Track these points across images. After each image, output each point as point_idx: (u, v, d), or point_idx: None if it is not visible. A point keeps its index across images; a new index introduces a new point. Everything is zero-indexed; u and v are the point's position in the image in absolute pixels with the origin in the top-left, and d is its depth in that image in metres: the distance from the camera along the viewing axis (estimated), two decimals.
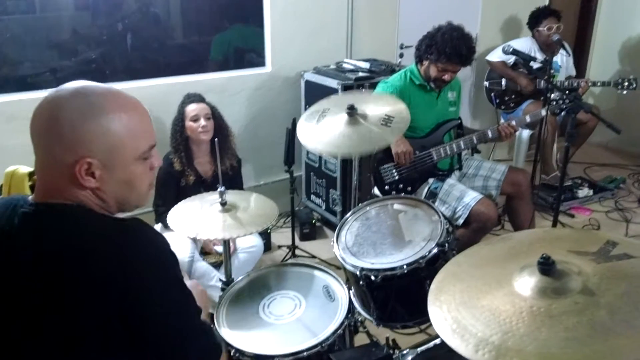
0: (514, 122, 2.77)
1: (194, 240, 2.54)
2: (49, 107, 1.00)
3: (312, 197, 3.66)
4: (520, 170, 3.01)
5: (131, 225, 1.03)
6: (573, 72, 4.12)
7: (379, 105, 1.97)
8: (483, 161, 2.96)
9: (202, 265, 2.55)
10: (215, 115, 2.70)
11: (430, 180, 2.71)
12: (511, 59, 3.87)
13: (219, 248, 2.67)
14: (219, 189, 1.86)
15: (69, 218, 1.02)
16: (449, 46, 2.54)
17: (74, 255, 0.97)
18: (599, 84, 3.98)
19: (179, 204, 1.94)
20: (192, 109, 2.64)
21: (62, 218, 1.02)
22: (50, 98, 1.01)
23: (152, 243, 1.04)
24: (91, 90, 1.03)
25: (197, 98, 2.70)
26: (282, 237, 3.43)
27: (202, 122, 2.62)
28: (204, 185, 2.66)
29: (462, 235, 2.55)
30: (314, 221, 3.45)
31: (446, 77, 2.64)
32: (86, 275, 0.96)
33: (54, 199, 1.02)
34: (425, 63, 2.68)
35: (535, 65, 3.18)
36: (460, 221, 2.55)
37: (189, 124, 2.63)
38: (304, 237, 3.40)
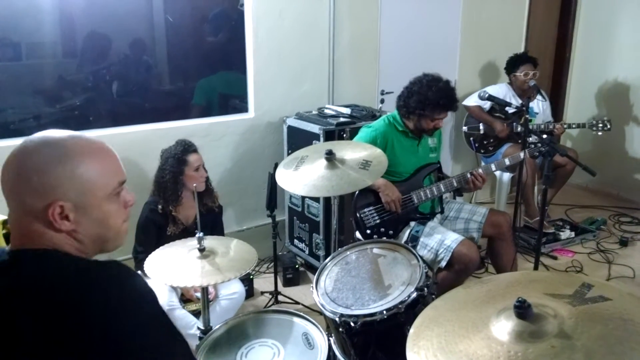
0: (481, 171, 2.78)
1: (173, 287, 2.50)
2: (16, 159, 1.03)
3: (296, 241, 3.64)
4: (501, 212, 3.03)
5: (109, 267, 1.03)
6: (550, 119, 4.21)
7: (357, 151, 2.00)
8: (464, 204, 2.98)
9: (181, 313, 2.49)
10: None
11: (412, 223, 2.72)
12: (487, 104, 3.97)
13: (200, 295, 2.63)
14: (197, 235, 1.85)
15: (46, 264, 1.01)
16: (442, 98, 2.62)
17: (52, 302, 0.96)
18: (574, 126, 4.08)
19: (157, 250, 1.92)
20: (195, 158, 2.66)
21: (39, 265, 1.01)
22: (16, 151, 1.04)
23: (131, 284, 1.04)
24: (54, 137, 1.06)
25: (195, 147, 2.71)
26: (265, 282, 3.38)
27: (203, 172, 2.68)
28: (185, 231, 2.64)
29: (445, 278, 2.54)
30: (297, 266, 3.41)
31: (440, 124, 2.73)
32: (66, 322, 0.94)
33: (30, 246, 1.02)
34: (415, 118, 2.72)
35: (510, 110, 3.26)
36: (443, 264, 2.54)
37: (191, 173, 2.63)
38: (287, 283, 3.36)
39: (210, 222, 2.76)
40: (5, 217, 1.79)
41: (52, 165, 1.01)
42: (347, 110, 3.38)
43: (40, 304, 0.96)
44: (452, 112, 2.91)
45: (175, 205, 2.64)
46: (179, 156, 2.64)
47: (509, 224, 2.92)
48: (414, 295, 1.67)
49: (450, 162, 4.59)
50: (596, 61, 5.00)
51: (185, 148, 2.67)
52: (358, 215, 2.67)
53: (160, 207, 2.63)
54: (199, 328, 2.10)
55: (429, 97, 2.62)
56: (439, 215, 2.86)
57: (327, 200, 3.21)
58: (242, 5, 3.36)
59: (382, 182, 2.61)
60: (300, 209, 3.51)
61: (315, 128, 3.21)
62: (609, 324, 1.05)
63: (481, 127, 4.07)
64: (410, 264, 1.81)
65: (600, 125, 3.98)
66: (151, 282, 1.84)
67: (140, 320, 1.02)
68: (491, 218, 2.83)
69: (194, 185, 2.40)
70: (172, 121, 3.25)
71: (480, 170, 2.77)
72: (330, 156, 1.97)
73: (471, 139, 4.13)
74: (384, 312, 1.64)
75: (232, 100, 3.56)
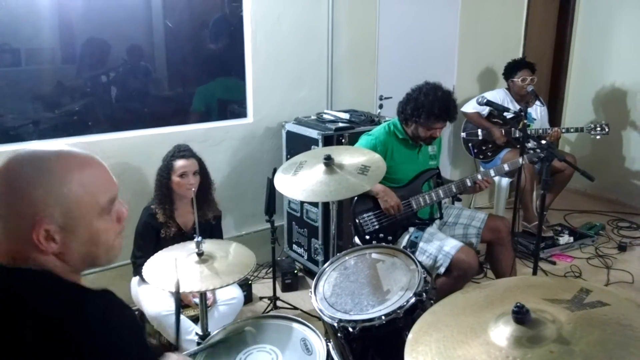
0: (492, 172, 2.81)
1: (171, 292, 2.49)
2: (1, 179, 0.99)
3: (294, 246, 3.63)
4: (500, 218, 3.03)
5: (97, 297, 1.00)
6: (547, 125, 4.21)
7: (355, 156, 2.01)
8: (463, 209, 2.98)
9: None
10: (202, 169, 2.70)
11: (411, 229, 2.71)
12: (485, 109, 3.97)
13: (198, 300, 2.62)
14: (195, 239, 1.84)
15: (32, 287, 0.99)
16: (436, 106, 2.61)
17: (36, 326, 0.94)
18: (572, 130, 4.09)
19: (155, 255, 1.91)
20: (180, 164, 2.60)
21: (25, 286, 0.99)
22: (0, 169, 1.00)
23: (117, 317, 1.01)
24: (39, 155, 1.01)
25: (188, 153, 2.66)
26: (263, 288, 3.38)
27: (191, 179, 2.60)
28: (184, 237, 2.62)
29: (444, 283, 2.53)
30: (296, 271, 3.41)
31: (437, 134, 2.72)
32: (47, 348, 0.93)
33: (20, 264, 1.00)
34: (412, 125, 2.72)
35: (508, 115, 3.27)
36: (442, 270, 2.54)
37: (176, 179, 2.59)
38: (286, 288, 3.35)
39: (209, 229, 2.75)
40: None
41: (36, 186, 0.97)
42: (346, 116, 3.39)
43: (40, 308, 0.95)
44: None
45: (170, 210, 2.63)
46: (167, 161, 2.63)
47: (508, 229, 2.92)
48: (413, 300, 1.67)
49: (449, 167, 4.60)
50: (594, 66, 5.02)
51: (174, 153, 2.65)
52: (357, 220, 2.67)
53: (153, 207, 2.62)
54: (197, 334, 2.09)
55: (424, 105, 2.63)
56: (437, 221, 2.86)
57: (326, 205, 3.21)
58: (241, 11, 3.37)
59: (380, 188, 2.61)
60: (299, 214, 3.50)
61: (313, 133, 3.22)
62: (607, 329, 1.05)
63: (479, 133, 4.08)
64: (409, 269, 1.81)
65: (599, 129, 3.99)
66: (150, 287, 1.84)
67: (135, 331, 1.02)
68: (490, 223, 2.84)
69: (193, 190, 2.40)
70: (171, 126, 3.25)
71: (492, 172, 2.78)
72: (328, 161, 1.98)
73: (470, 144, 4.14)
74: (383, 317, 1.64)
75: (231, 105, 3.57)
